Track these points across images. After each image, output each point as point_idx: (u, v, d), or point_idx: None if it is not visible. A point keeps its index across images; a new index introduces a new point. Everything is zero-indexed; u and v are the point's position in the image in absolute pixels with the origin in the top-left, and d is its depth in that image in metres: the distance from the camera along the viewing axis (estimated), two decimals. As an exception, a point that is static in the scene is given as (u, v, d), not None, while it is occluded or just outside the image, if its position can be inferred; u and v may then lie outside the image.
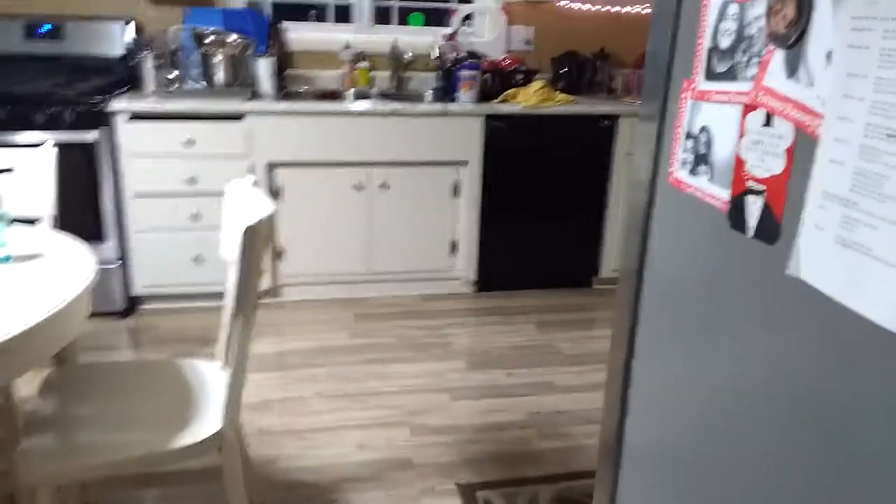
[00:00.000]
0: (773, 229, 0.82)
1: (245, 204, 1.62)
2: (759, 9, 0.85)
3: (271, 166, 3.07)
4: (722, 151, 0.93)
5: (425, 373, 2.68)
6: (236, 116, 2.97)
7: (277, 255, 3.20)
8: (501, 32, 3.60)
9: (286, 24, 3.48)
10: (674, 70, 1.06)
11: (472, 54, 3.38)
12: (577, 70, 3.55)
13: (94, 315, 3.11)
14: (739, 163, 0.89)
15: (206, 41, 3.04)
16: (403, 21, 3.67)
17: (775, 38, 0.82)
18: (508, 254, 3.38)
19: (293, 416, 2.38)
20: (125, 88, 3.11)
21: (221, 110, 2.95)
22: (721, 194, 0.93)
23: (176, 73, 3.08)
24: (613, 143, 3.27)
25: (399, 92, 3.52)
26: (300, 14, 3.66)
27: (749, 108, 0.87)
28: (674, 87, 1.06)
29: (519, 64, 3.40)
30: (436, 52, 3.43)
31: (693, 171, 1.00)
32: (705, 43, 0.96)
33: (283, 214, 3.14)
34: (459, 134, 3.14)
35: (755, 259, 0.86)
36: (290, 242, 3.19)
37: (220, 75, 3.05)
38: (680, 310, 1.06)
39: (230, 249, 1.63)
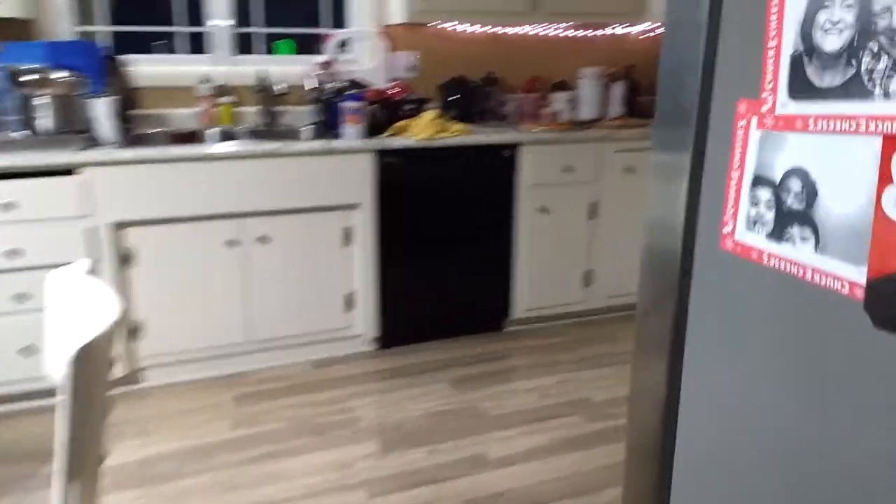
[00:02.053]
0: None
1: (77, 305, 1.13)
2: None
3: (119, 226, 2.51)
4: (839, 207, 0.61)
5: (331, 465, 2.22)
6: (69, 170, 2.41)
7: (133, 332, 2.62)
8: (382, 59, 3.25)
9: (127, 58, 2.94)
10: (715, 86, 0.74)
11: (354, 84, 3.00)
12: (468, 97, 3.26)
13: None
14: (884, 226, 0.57)
15: (26, 80, 2.46)
16: (270, 49, 3.23)
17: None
18: (412, 303, 3.00)
19: (168, 548, 1.85)
20: (-85, 141, 2.46)
21: (49, 163, 2.37)
22: (844, 273, 0.61)
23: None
24: (516, 173, 2.99)
25: (271, 129, 3.06)
26: (144, 45, 3.13)
27: (898, 141, 0.55)
28: (717, 111, 0.74)
29: (407, 93, 3.05)
30: (311, 83, 3.01)
31: (778, 235, 0.67)
32: (786, 45, 0.64)
33: (138, 283, 2.58)
34: (348, 174, 2.73)
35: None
36: (148, 316, 2.63)
37: (45, 121, 2.46)
38: (757, 377, 0.73)
39: (57, 372, 1.14)
